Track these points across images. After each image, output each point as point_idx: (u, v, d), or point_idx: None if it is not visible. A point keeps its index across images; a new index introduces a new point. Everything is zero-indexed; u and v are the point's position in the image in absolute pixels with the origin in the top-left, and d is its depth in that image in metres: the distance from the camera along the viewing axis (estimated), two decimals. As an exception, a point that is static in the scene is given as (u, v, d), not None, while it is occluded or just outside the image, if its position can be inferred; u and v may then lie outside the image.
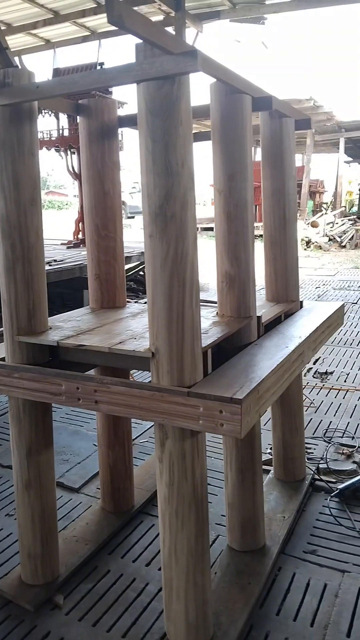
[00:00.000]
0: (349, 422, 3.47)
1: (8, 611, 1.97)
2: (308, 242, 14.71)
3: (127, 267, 7.67)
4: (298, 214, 17.39)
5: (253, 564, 2.11)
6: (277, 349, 1.88)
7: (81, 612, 1.95)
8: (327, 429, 3.37)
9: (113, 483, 2.48)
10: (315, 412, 3.66)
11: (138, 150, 1.50)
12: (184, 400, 1.50)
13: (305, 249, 14.40)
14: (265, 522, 2.28)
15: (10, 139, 1.76)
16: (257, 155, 15.78)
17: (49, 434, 2.02)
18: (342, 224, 16.39)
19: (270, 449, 2.85)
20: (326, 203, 21.96)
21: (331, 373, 4.46)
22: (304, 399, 3.79)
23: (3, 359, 1.93)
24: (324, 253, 13.98)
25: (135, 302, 2.39)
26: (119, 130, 2.51)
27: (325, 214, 17.78)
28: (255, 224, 11.50)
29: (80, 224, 8.92)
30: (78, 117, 2.17)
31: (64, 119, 8.67)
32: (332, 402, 3.84)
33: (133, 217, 24.46)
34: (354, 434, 3.31)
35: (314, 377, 4.38)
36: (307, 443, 3.13)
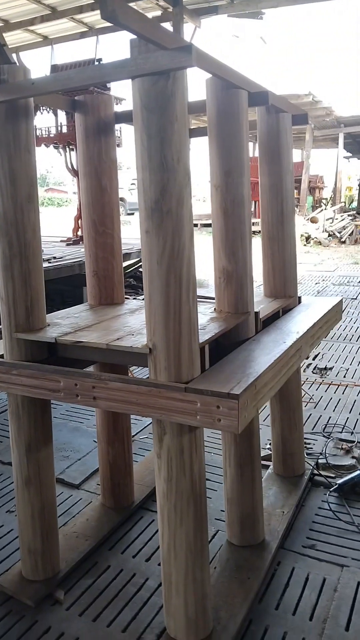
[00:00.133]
0: (348, 418, 3.48)
1: (9, 607, 1.98)
2: (308, 238, 14.69)
3: (126, 263, 7.67)
4: (297, 210, 17.29)
5: (252, 559, 2.11)
6: (274, 344, 1.88)
7: (81, 607, 1.96)
8: (326, 424, 3.37)
9: (113, 479, 2.49)
10: (315, 408, 3.66)
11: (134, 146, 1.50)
12: (181, 395, 1.50)
13: (304, 245, 14.38)
14: (264, 517, 2.29)
15: (7, 136, 1.76)
16: (256, 151, 15.75)
17: (48, 430, 2.02)
18: (342, 220, 16.36)
19: (270, 444, 2.86)
20: (326, 199, 21.92)
21: (331, 368, 4.46)
22: (303, 394, 3.80)
23: (2, 356, 1.93)
24: (324, 249, 13.96)
25: (134, 298, 2.39)
26: (118, 126, 2.51)
27: (325, 209, 17.75)
28: (254, 220, 11.50)
29: (79, 221, 8.91)
30: (75, 113, 2.17)
31: (62, 115, 8.65)
32: (331, 398, 3.84)
33: (132, 214, 24.43)
34: (353, 429, 3.31)
35: (314, 373, 4.38)
36: (306, 438, 3.14)
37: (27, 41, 11.17)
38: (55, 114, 8.64)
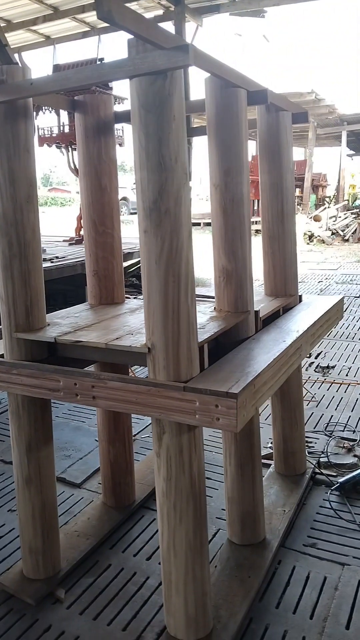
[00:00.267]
0: (350, 416, 3.47)
1: (10, 605, 1.98)
2: (311, 236, 14.66)
3: (128, 263, 7.67)
4: (301, 208, 17.28)
5: (253, 558, 2.12)
6: (274, 343, 1.88)
7: (82, 606, 1.97)
8: (328, 423, 3.37)
9: (114, 478, 2.49)
10: (317, 406, 3.66)
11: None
12: (180, 395, 1.50)
13: (308, 243, 14.35)
14: (265, 515, 2.29)
15: (6, 136, 1.77)
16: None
17: (49, 429, 2.03)
18: (345, 218, 16.32)
19: (271, 443, 2.86)
20: (329, 197, 21.85)
21: (333, 367, 4.45)
22: (305, 393, 3.79)
23: (2, 356, 1.94)
24: (327, 247, 13.93)
25: (135, 298, 2.39)
26: (120, 126, 2.52)
27: (328, 207, 17.70)
28: (255, 219, 11.47)
29: (82, 221, 8.91)
30: (74, 113, 2.17)
31: (64, 115, 8.65)
32: (333, 396, 3.83)
33: (135, 213, 24.43)
34: (355, 427, 3.31)
35: (316, 371, 4.38)
36: (308, 437, 3.14)
37: (30, 41, 11.19)
38: (58, 114, 8.65)
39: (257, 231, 10.37)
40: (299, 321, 2.19)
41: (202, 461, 1.68)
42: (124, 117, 2.21)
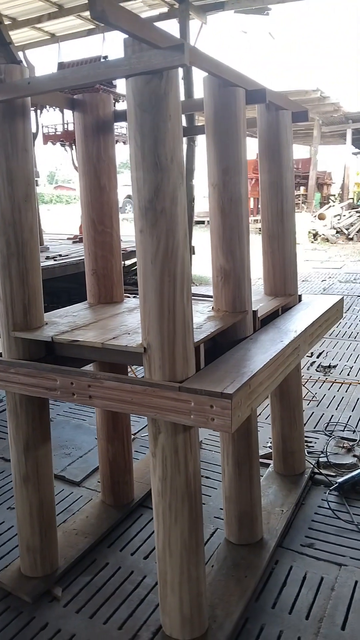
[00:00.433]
0: (350, 416, 3.46)
1: (7, 603, 1.99)
2: (315, 235, 14.62)
3: (132, 261, 7.67)
4: (305, 206, 17.22)
5: (250, 557, 2.12)
6: (271, 343, 1.88)
7: (79, 604, 1.97)
8: (328, 423, 3.36)
9: (113, 477, 2.50)
10: (317, 406, 3.65)
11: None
12: (175, 395, 1.50)
13: (312, 242, 14.31)
14: (263, 515, 2.29)
15: (4, 136, 1.77)
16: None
17: (46, 428, 2.03)
18: (350, 216, 16.26)
19: (271, 442, 2.85)
20: (334, 195, 21.78)
21: (334, 366, 4.44)
22: (306, 392, 3.79)
23: (0, 354, 1.94)
24: (331, 245, 13.89)
25: (135, 297, 2.40)
26: (125, 124, 2.51)
27: (333, 206, 17.65)
28: (256, 218, 11.41)
29: (85, 219, 8.91)
30: (74, 112, 2.17)
31: (68, 113, 8.66)
32: (334, 396, 3.83)
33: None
34: (355, 427, 3.30)
35: (317, 371, 4.37)
36: (308, 437, 3.13)
37: (35, 39, 11.16)
38: (62, 112, 8.66)
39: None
40: (298, 321, 2.19)
41: (197, 461, 1.68)
42: (124, 116, 2.21)
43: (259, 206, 2.49)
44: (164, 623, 1.78)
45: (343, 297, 2.74)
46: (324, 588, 2.00)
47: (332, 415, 3.48)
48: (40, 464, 2.02)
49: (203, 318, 1.91)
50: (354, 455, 2.93)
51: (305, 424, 3.31)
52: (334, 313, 2.53)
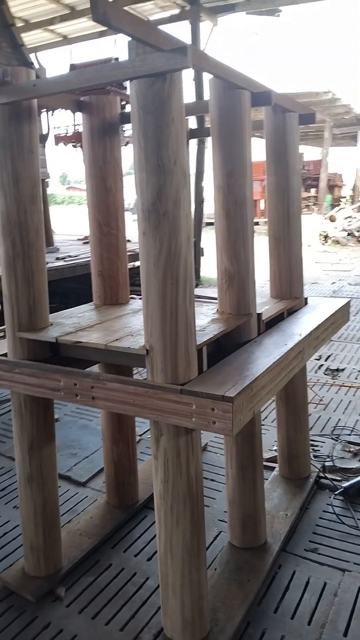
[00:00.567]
0: (357, 420, 3.44)
1: (11, 602, 2.00)
2: (326, 237, 14.53)
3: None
4: (316, 208, 17.09)
5: (253, 561, 2.11)
6: (275, 346, 1.87)
7: (81, 604, 1.98)
8: (335, 427, 3.34)
9: (117, 478, 2.50)
10: (324, 410, 3.63)
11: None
12: (177, 397, 1.50)
13: (322, 244, 14.23)
14: (267, 519, 2.28)
15: (10, 137, 1.78)
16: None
17: (50, 428, 2.04)
18: (361, 218, 16.12)
19: (277, 446, 2.84)
20: (344, 197, 21.64)
21: (342, 370, 4.41)
22: (313, 396, 3.77)
23: (5, 355, 1.96)
24: (342, 248, 13.80)
25: (140, 298, 2.40)
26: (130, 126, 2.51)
27: (344, 208, 17.52)
28: (257, 220, 11.34)
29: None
30: (81, 114, 2.18)
31: (80, 114, 8.68)
32: (341, 400, 3.80)
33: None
34: (363, 431, 3.27)
35: (325, 374, 4.34)
36: (314, 440, 3.12)
37: (47, 41, 11.25)
38: (73, 113, 8.69)
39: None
40: (303, 324, 2.17)
41: (199, 464, 1.68)
42: (128, 118, 2.21)
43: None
44: (165, 625, 1.78)
45: (350, 301, 2.72)
46: (326, 593, 1.98)
47: (339, 419, 3.46)
48: (45, 464, 2.03)
49: (207, 320, 1.91)
50: (361, 460, 2.90)
51: (311, 428, 3.29)
52: (340, 316, 2.52)
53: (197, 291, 2.54)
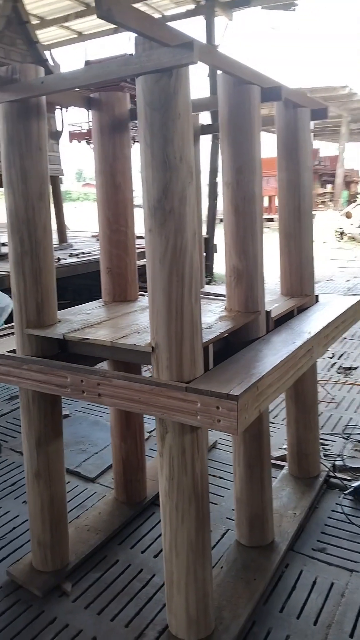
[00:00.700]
0: (370, 419, 3.40)
1: (18, 596, 2.02)
2: (342, 234, 14.39)
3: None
4: (332, 204, 16.92)
5: (260, 560, 2.10)
6: (283, 344, 1.85)
7: (87, 600, 1.99)
8: (346, 426, 3.31)
9: (125, 474, 2.51)
10: (336, 408, 3.59)
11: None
12: (182, 395, 1.50)
13: (338, 241, 14.10)
14: (275, 518, 2.26)
15: (18, 135, 1.78)
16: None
17: (58, 425, 2.05)
18: (378, 215, 15.93)
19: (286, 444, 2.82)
20: (361, 193, 21.39)
21: (355, 368, 4.37)
22: (325, 394, 3.74)
23: (14, 351, 1.97)
24: (358, 244, 13.66)
25: (147, 295, 2.39)
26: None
27: (361, 204, 17.33)
28: (273, 216, 11.26)
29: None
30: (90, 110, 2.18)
31: (93, 111, 8.70)
32: (354, 398, 3.76)
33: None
34: (375, 431, 3.24)
35: (338, 372, 4.30)
36: (325, 439, 3.09)
37: (62, 37, 11.28)
38: (87, 109, 8.72)
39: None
40: (313, 322, 2.15)
41: (205, 462, 1.67)
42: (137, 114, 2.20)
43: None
44: (170, 623, 1.78)
45: (362, 298, 2.68)
46: (333, 594, 1.97)
47: (351, 418, 3.43)
48: (52, 460, 2.04)
49: (214, 318, 1.90)
50: (372, 459, 2.87)
51: (322, 426, 3.26)
52: (352, 314, 2.49)
53: (206, 288, 2.53)
